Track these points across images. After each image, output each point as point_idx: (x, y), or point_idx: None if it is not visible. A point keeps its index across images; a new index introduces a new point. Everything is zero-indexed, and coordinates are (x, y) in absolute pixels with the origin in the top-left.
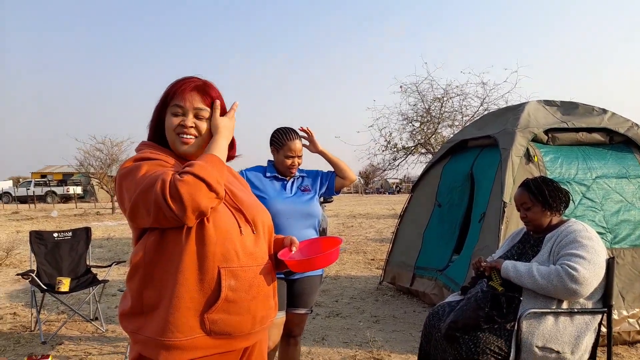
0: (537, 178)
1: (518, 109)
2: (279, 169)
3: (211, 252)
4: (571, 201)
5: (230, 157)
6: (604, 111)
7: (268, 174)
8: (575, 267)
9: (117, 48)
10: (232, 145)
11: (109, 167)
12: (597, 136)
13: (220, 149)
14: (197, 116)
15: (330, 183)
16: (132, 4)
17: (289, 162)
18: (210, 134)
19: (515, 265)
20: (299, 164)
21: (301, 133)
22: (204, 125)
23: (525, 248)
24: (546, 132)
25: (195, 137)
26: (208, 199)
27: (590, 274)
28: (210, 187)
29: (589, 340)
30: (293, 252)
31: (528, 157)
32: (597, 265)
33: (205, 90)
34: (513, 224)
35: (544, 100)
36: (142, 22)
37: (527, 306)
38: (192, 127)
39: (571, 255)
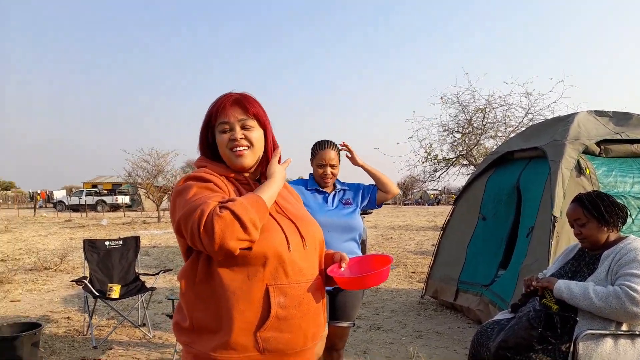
0: (591, 192)
1: (567, 119)
2: (317, 180)
3: (258, 270)
4: (628, 216)
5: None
6: None
7: (309, 187)
8: (636, 287)
9: (165, 63)
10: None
11: (155, 178)
12: None
13: (268, 192)
14: (243, 127)
15: (372, 196)
16: (176, 17)
17: (320, 171)
18: (262, 145)
19: (569, 286)
20: (333, 175)
21: (341, 147)
22: (253, 135)
23: (581, 265)
24: (598, 143)
25: (248, 147)
26: (238, 240)
27: None
28: (245, 228)
29: None
30: (343, 268)
31: (579, 169)
32: None
33: (245, 102)
34: (564, 240)
35: (595, 111)
36: (191, 37)
37: (584, 327)
38: (242, 138)
39: (632, 276)
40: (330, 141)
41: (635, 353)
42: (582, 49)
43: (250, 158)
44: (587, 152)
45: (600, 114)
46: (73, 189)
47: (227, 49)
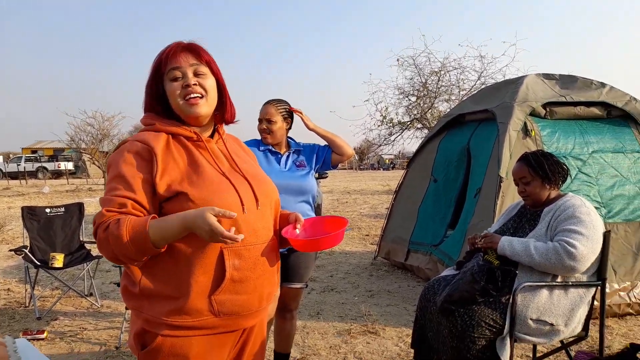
0: (536, 152)
1: (516, 82)
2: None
3: None
4: (568, 175)
5: (229, 122)
6: (603, 85)
7: (262, 148)
8: (574, 243)
9: (108, 20)
10: (229, 110)
11: (100, 143)
12: (595, 110)
13: (166, 230)
14: (196, 74)
15: (327, 158)
16: None
17: (260, 126)
18: (216, 96)
19: (511, 243)
20: (271, 131)
21: (296, 113)
22: (207, 83)
23: (522, 222)
24: (544, 106)
25: (202, 95)
26: (118, 262)
27: (588, 250)
28: (117, 258)
29: (582, 312)
30: (298, 230)
31: (525, 131)
32: (594, 241)
33: (196, 48)
34: (509, 199)
35: (543, 74)
36: None
37: (523, 280)
38: (195, 84)
39: (569, 232)
40: (276, 99)
41: (568, 302)
42: (535, 13)
43: (205, 108)
44: (533, 114)
45: (548, 76)
46: (11, 155)
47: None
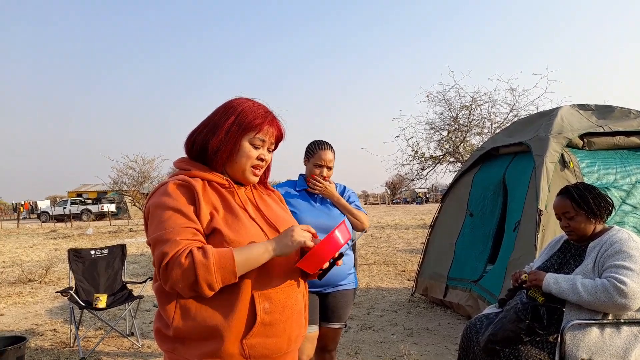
0: (578, 184)
1: (550, 114)
2: (308, 179)
3: (243, 279)
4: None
5: (263, 184)
6: None
7: (298, 188)
8: (624, 280)
9: (150, 70)
10: (267, 176)
11: (141, 185)
12: (635, 139)
13: (248, 255)
14: (268, 149)
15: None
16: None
17: (317, 171)
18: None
19: (557, 280)
20: (328, 176)
21: (312, 182)
22: (270, 157)
23: (567, 257)
24: (581, 137)
25: (263, 168)
26: (190, 290)
27: (639, 287)
28: (198, 285)
29: (638, 352)
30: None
31: (563, 163)
32: None
33: (278, 125)
34: (549, 233)
35: (578, 105)
36: (178, 45)
37: (571, 317)
38: (266, 160)
39: (618, 267)
40: (328, 143)
41: (621, 341)
42: (568, 44)
43: (259, 177)
44: (570, 145)
45: (583, 107)
46: (57, 199)
47: (213, 57)
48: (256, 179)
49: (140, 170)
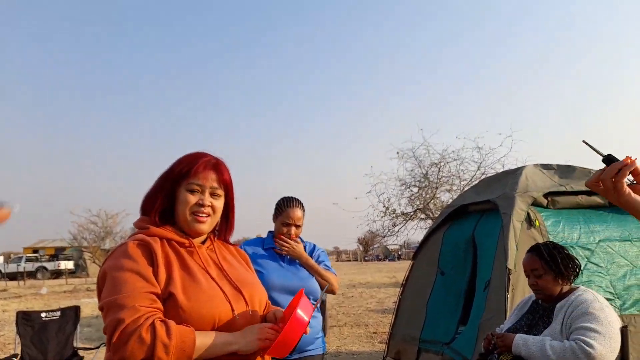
0: (547, 243)
1: (516, 172)
2: (276, 238)
3: None
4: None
5: (226, 240)
6: None
7: (266, 246)
8: (591, 343)
9: (111, 119)
10: (230, 230)
11: (102, 240)
12: (596, 199)
13: (209, 343)
14: (212, 194)
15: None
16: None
17: (285, 229)
18: (220, 213)
19: (526, 342)
20: (296, 235)
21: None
22: (218, 204)
23: (535, 319)
24: (545, 195)
25: (209, 215)
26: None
27: (606, 349)
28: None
29: None
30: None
31: (529, 221)
32: (612, 339)
33: (220, 169)
34: (519, 292)
35: (541, 164)
36: (138, 90)
37: None
38: (209, 205)
39: (585, 330)
40: (298, 200)
41: None
42: (528, 106)
43: (208, 225)
44: (535, 204)
45: (546, 167)
46: (12, 255)
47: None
48: (203, 226)
49: (103, 225)
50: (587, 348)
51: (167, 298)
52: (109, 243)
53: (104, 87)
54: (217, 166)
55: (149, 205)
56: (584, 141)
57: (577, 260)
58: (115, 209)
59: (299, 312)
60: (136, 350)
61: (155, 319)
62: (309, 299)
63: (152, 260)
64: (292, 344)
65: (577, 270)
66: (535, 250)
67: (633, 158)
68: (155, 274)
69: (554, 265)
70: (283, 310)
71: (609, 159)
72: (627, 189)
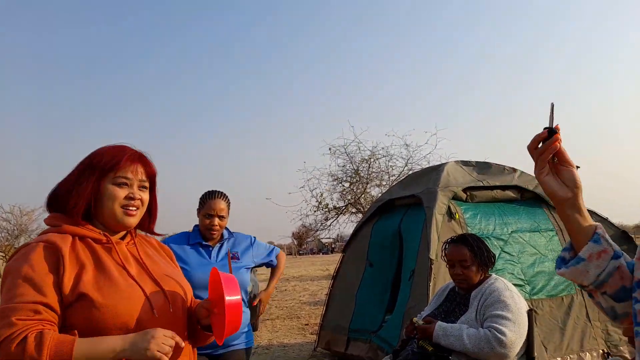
0: (472, 235)
1: (438, 169)
2: (202, 232)
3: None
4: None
5: (151, 231)
6: (514, 170)
7: (192, 241)
8: (503, 330)
9: (36, 102)
10: (154, 221)
11: (16, 239)
12: (510, 193)
13: (98, 352)
14: (140, 187)
15: (267, 263)
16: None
17: (207, 221)
18: (149, 206)
19: (445, 331)
20: (220, 227)
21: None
22: (145, 197)
23: (453, 306)
24: (465, 190)
25: (138, 208)
26: None
27: (516, 335)
28: None
29: None
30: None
31: (450, 214)
32: (521, 325)
33: (146, 161)
34: (440, 281)
35: (461, 161)
36: (63, 76)
37: None
38: (139, 199)
39: (497, 317)
40: (222, 192)
41: None
42: (446, 105)
43: (136, 219)
44: (455, 198)
45: (466, 163)
46: None
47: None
48: (133, 220)
49: (17, 223)
50: (499, 335)
51: (77, 299)
52: (23, 240)
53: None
54: (143, 158)
55: (65, 200)
56: (552, 103)
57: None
58: (31, 204)
59: (227, 299)
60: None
61: (29, 332)
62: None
63: (56, 265)
64: (237, 325)
65: (494, 260)
66: (463, 242)
67: (559, 139)
68: (60, 279)
69: (480, 256)
70: (207, 299)
71: (550, 131)
72: (547, 168)
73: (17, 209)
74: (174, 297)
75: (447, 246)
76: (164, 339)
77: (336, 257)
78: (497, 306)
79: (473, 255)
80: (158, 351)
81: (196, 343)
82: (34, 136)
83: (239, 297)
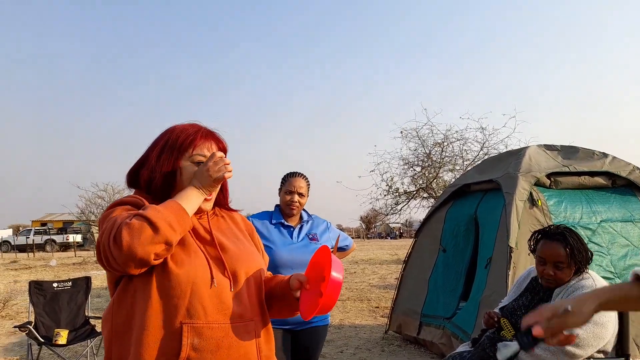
0: (572, 232)
1: (519, 153)
2: (283, 210)
3: (173, 305)
4: None
5: (224, 206)
6: (605, 155)
7: (274, 221)
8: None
9: (121, 96)
10: (226, 196)
11: None
12: (599, 180)
13: (185, 197)
14: None
15: (339, 249)
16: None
17: (288, 197)
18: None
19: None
20: (300, 204)
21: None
22: None
23: (535, 300)
24: (548, 176)
25: None
26: (150, 244)
27: (589, 334)
28: (156, 229)
29: None
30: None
31: (532, 201)
32: (599, 324)
33: (217, 138)
34: (520, 270)
35: (544, 145)
36: (146, 71)
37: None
38: None
39: None
40: (301, 173)
41: None
42: (532, 88)
43: (214, 195)
44: (538, 184)
45: (550, 147)
46: (21, 228)
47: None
48: (210, 200)
49: (110, 200)
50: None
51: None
52: None
53: (118, 66)
54: (214, 135)
55: (146, 179)
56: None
57: (590, 252)
58: (122, 184)
59: (334, 274)
60: (129, 232)
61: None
62: None
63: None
64: (332, 304)
65: (591, 260)
66: (560, 239)
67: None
68: None
69: (578, 257)
70: (303, 273)
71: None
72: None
73: (110, 187)
74: (239, 272)
75: (539, 239)
76: (217, 166)
77: (404, 242)
78: None
79: (570, 257)
80: (216, 174)
81: (280, 313)
82: (128, 126)
83: (342, 279)
